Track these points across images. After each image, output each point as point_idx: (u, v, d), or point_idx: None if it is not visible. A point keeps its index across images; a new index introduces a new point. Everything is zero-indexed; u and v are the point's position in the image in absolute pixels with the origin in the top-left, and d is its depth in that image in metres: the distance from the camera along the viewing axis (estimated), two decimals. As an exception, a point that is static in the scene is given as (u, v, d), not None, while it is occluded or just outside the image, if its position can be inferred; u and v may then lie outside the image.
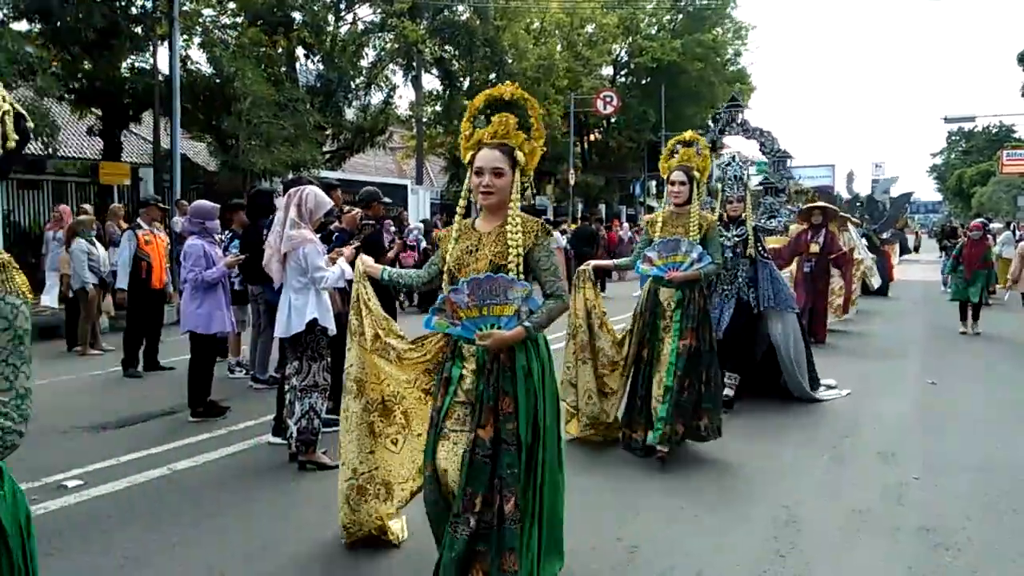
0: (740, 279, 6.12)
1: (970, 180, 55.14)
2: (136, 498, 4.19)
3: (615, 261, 5.52)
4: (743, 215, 6.17)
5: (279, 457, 4.79)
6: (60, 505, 4.06)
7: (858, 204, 15.87)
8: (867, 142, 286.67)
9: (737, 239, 6.14)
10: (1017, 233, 19.80)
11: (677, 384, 4.57)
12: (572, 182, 27.25)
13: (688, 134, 5.00)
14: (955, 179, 60.15)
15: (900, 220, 27.89)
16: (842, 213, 12.69)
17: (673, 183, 4.80)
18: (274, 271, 4.62)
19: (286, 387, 4.72)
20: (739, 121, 7.72)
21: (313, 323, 4.55)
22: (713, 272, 4.79)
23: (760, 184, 6.99)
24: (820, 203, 10.33)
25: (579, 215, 20.56)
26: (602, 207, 32.10)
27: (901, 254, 27.40)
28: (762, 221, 7.14)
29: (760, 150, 7.55)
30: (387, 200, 6.64)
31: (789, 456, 4.99)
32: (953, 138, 67.22)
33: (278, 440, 5.00)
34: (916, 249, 32.57)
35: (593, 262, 5.19)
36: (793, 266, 9.27)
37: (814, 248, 9.35)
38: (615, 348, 4.96)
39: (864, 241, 14.54)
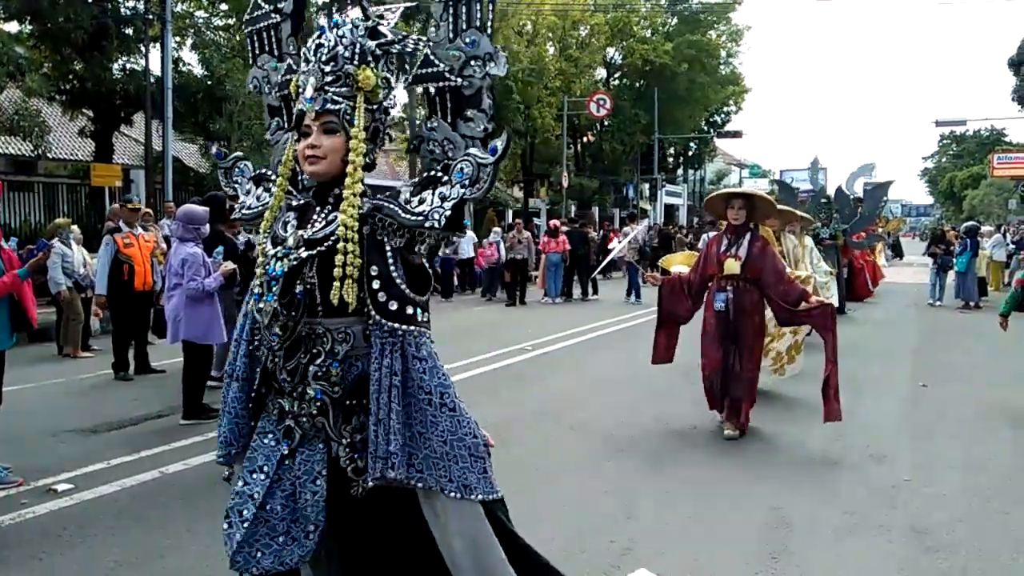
0: (314, 390, 1.98)
1: (961, 183, 55.48)
2: (127, 502, 4.17)
3: None
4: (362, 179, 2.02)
5: (271, 460, 4.76)
6: (49, 509, 4.03)
7: (824, 200, 13.99)
8: (859, 145, 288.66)
9: (291, 261, 1.95)
10: (1007, 236, 19.85)
11: None
12: (566, 184, 27.26)
13: None
14: (947, 182, 60.53)
15: (894, 221, 27.23)
16: (800, 213, 9.04)
17: None
18: None
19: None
20: None
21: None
22: None
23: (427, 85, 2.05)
24: (744, 190, 6.47)
25: (569, 217, 20.64)
26: (596, 210, 32.16)
27: (894, 258, 26.98)
28: (406, 199, 2.03)
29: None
30: None
31: (780, 458, 5.00)
32: (944, 142, 67.70)
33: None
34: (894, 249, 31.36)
35: None
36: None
37: (732, 267, 5.07)
38: None
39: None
